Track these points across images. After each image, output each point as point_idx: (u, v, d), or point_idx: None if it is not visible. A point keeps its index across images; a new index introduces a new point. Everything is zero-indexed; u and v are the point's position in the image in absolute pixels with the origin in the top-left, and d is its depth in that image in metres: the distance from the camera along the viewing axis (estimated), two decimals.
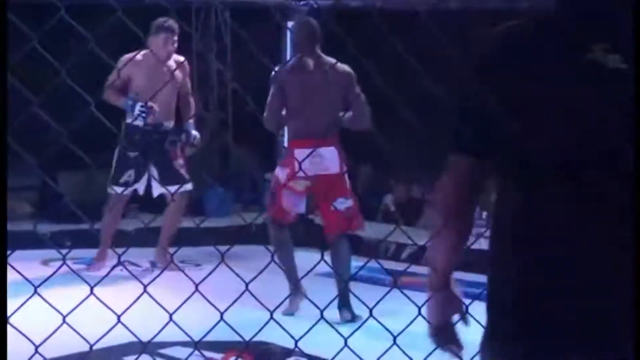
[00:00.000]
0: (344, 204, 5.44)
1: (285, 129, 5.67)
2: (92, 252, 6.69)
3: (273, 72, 5.46)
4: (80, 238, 7.09)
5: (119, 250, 3.08)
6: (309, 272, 2.74)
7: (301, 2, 8.09)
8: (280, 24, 8.09)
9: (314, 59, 5.44)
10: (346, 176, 5.48)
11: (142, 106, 6.23)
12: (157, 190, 6.52)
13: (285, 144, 5.96)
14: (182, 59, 6.58)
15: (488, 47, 1.96)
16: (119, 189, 6.51)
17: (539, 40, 1.86)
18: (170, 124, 6.55)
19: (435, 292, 2.22)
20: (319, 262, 2.62)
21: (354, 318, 5.19)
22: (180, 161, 6.57)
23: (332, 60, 5.46)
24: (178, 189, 6.41)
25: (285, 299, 5.35)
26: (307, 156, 5.07)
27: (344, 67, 5.43)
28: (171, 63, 6.51)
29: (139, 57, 6.33)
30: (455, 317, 2.24)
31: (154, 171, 6.50)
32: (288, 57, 8.02)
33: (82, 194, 7.62)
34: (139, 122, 6.34)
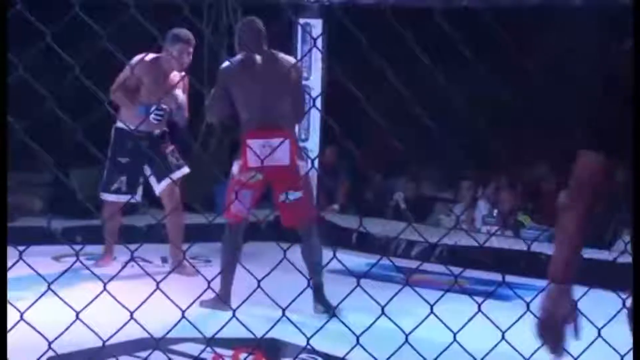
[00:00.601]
0: (293, 195, 5.37)
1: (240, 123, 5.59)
2: (103, 248, 6.70)
3: (220, 68, 5.55)
4: (92, 234, 7.11)
5: (131, 247, 3.09)
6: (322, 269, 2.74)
7: (312, 0, 8.08)
8: (292, 20, 8.08)
9: (262, 54, 5.50)
10: (299, 168, 5.40)
11: (157, 109, 6.21)
12: (157, 189, 6.46)
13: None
14: (182, 73, 6.47)
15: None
16: (109, 196, 6.48)
17: None
18: (159, 131, 6.49)
19: (554, 282, 2.23)
20: (330, 260, 2.62)
21: (328, 310, 5.18)
22: (171, 149, 6.49)
23: (281, 54, 5.57)
24: (172, 178, 6.34)
25: (295, 298, 5.34)
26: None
27: (292, 60, 5.58)
28: (174, 74, 6.44)
29: (149, 60, 6.31)
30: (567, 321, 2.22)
31: (150, 172, 6.43)
32: (299, 53, 8.03)
33: (94, 191, 7.65)
34: (129, 127, 6.27)
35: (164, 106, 6.22)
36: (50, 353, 2.47)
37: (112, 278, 2.54)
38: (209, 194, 8.59)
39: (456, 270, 6.16)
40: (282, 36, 7.87)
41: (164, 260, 6.83)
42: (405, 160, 8.50)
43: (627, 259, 2.27)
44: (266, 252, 5.46)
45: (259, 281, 2.49)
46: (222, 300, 5.20)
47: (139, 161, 6.39)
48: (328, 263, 2.64)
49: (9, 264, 2.30)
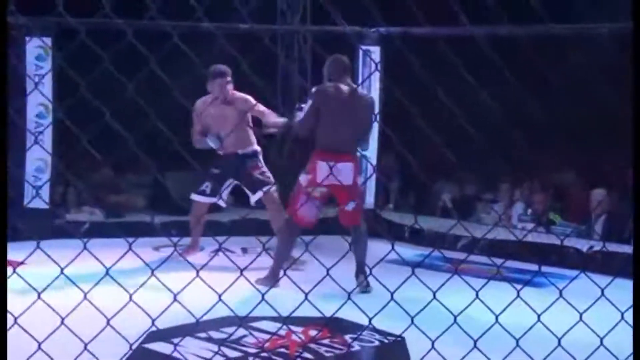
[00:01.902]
0: (351, 205, 5.61)
1: (315, 139, 5.61)
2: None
3: (313, 90, 5.59)
4: (185, 228, 7.19)
5: (218, 239, 3.12)
6: (380, 260, 2.73)
7: (372, 30, 8.08)
8: (354, 47, 8.09)
9: (347, 86, 5.56)
10: (358, 185, 5.63)
11: (212, 136, 6.30)
12: (252, 198, 6.50)
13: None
14: (245, 96, 6.42)
15: None
16: (195, 196, 6.54)
17: None
18: (245, 150, 6.50)
19: None
20: (389, 252, 2.61)
21: (368, 286, 5.37)
22: (260, 171, 6.50)
23: (359, 88, 5.73)
24: (263, 191, 6.40)
25: (361, 282, 5.34)
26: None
27: (368, 95, 5.76)
28: (233, 100, 6.41)
29: (207, 100, 6.43)
30: None
31: (242, 185, 6.51)
32: (360, 75, 8.02)
33: (185, 191, 7.74)
34: (221, 152, 6.43)
35: (217, 133, 6.30)
36: (153, 328, 2.51)
37: (203, 266, 2.58)
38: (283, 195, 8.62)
39: (496, 261, 6.10)
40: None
41: (244, 250, 6.88)
42: (451, 166, 8.45)
43: None
44: (333, 244, 5.45)
45: (327, 269, 2.49)
46: (273, 278, 5.37)
47: (225, 174, 6.46)
48: (387, 255, 2.63)
49: (120, 253, 2.34)
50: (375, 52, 8.03)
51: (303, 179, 5.57)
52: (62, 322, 2.23)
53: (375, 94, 8.06)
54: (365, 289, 5.43)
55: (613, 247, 6.50)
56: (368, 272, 5.50)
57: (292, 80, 9.60)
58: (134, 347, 2.62)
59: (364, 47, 8.02)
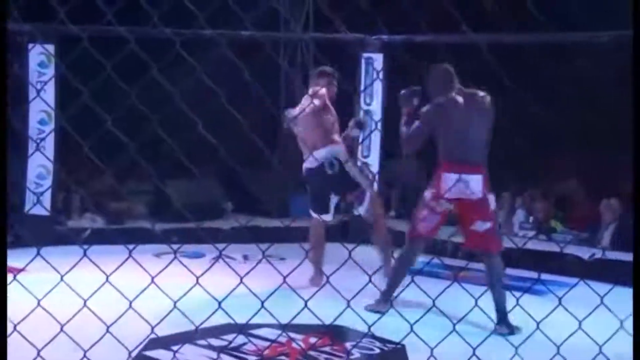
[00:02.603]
0: (482, 226, 5.01)
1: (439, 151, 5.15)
2: (194, 247, 6.77)
3: (426, 108, 5.12)
4: (185, 235, 7.21)
5: (218, 246, 3.12)
6: (379, 269, 2.74)
7: (374, 37, 8.10)
8: (357, 54, 8.11)
9: (460, 94, 5.04)
10: (489, 200, 5.06)
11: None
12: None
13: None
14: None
15: None
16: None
17: None
18: None
19: None
20: (390, 260, 2.61)
21: (512, 331, 4.47)
22: None
23: (473, 90, 5.08)
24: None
25: (358, 292, 5.32)
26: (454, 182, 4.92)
27: (483, 94, 5.07)
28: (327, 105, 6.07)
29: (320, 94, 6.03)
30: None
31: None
32: (362, 82, 8.04)
33: (187, 199, 7.74)
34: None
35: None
36: (152, 335, 2.52)
37: (203, 273, 2.57)
38: (283, 202, 8.63)
39: None
40: (348, 68, 7.90)
41: (245, 257, 6.88)
42: None
43: None
44: (333, 251, 5.45)
45: (327, 277, 2.50)
46: (383, 301, 4.80)
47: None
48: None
49: (120, 260, 2.35)
50: (378, 59, 8.05)
51: (427, 193, 5.13)
52: (62, 329, 2.24)
53: (377, 101, 8.10)
54: (507, 334, 4.36)
55: (619, 255, 6.50)
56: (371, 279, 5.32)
57: (295, 88, 9.63)
58: (133, 354, 2.62)
59: (366, 55, 8.05)
